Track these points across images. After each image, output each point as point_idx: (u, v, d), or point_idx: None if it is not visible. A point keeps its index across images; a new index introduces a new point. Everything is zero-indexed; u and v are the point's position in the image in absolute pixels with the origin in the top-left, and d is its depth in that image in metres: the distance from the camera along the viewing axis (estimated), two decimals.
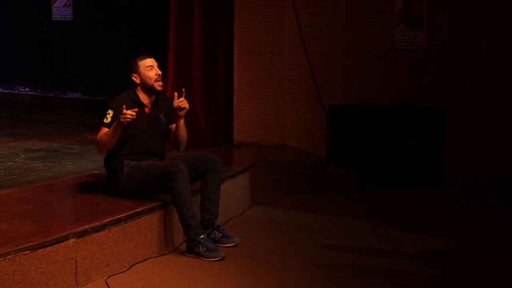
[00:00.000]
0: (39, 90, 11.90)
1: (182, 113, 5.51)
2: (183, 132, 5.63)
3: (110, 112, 5.39)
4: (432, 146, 7.93)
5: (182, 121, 5.58)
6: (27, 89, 11.99)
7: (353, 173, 7.81)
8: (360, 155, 7.83)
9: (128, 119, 5.19)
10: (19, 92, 11.99)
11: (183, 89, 5.53)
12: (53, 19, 11.75)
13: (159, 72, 5.56)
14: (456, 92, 8.38)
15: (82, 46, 11.43)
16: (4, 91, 12.13)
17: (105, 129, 5.37)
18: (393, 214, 6.84)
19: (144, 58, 5.57)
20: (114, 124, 5.30)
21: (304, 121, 8.44)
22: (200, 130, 8.00)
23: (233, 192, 6.42)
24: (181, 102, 5.46)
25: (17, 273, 4.13)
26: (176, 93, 5.53)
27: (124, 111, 5.18)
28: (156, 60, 5.67)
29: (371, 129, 7.83)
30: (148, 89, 5.53)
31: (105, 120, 5.39)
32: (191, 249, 5.31)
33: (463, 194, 7.67)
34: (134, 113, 5.20)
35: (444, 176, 7.97)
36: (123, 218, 5.00)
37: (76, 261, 4.55)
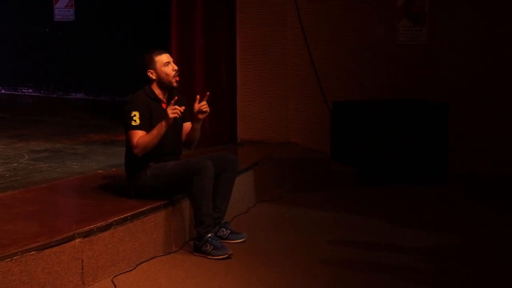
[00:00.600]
0: (42, 91, 11.90)
1: (202, 116, 5.46)
2: (198, 134, 5.61)
3: (136, 113, 5.29)
4: (435, 142, 7.91)
5: (199, 124, 5.55)
6: (30, 90, 11.99)
7: (357, 169, 7.81)
8: (364, 152, 7.82)
9: (177, 115, 5.18)
10: (22, 93, 12.00)
11: (207, 93, 5.47)
12: (55, 19, 11.75)
13: (176, 67, 5.48)
14: (459, 88, 8.35)
15: (85, 47, 11.43)
16: (7, 92, 12.14)
17: (139, 132, 5.27)
18: (397, 211, 6.83)
19: (160, 54, 5.47)
20: (162, 124, 5.20)
21: (307, 118, 8.44)
22: (204, 128, 7.98)
23: (237, 189, 6.41)
24: (203, 106, 5.40)
25: (23, 274, 4.14)
26: (198, 96, 5.46)
27: (175, 106, 5.15)
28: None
29: (375, 125, 7.82)
30: (165, 85, 5.47)
31: (133, 123, 5.27)
32: (198, 248, 5.32)
33: (465, 191, 7.65)
34: (182, 109, 5.18)
35: (448, 173, 7.95)
36: (129, 218, 5.00)
37: (82, 261, 4.56)
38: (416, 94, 8.31)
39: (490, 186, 7.80)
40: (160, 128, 5.26)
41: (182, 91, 7.75)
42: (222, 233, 5.60)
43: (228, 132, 8.34)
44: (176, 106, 5.20)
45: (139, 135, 5.29)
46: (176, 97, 5.32)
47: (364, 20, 8.38)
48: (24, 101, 11.78)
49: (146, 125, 5.32)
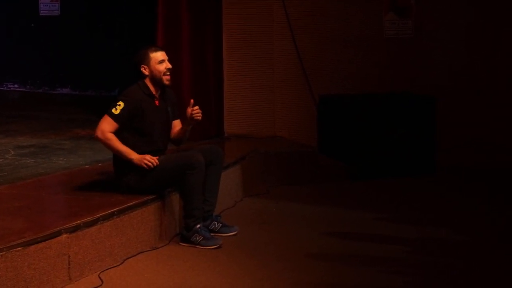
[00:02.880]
0: (28, 86, 11.84)
1: (194, 123, 5.49)
2: (188, 134, 5.67)
3: (121, 104, 5.30)
4: (423, 134, 7.95)
5: (190, 127, 5.57)
6: (16, 86, 11.93)
7: (344, 163, 7.82)
8: (351, 145, 7.84)
9: (147, 167, 5.24)
10: (8, 89, 11.93)
11: (192, 100, 5.48)
12: (40, 14, 11.68)
13: (169, 66, 5.50)
14: (446, 81, 8.39)
15: (71, 42, 11.37)
16: None
17: (113, 122, 5.27)
18: (386, 203, 6.86)
19: (156, 51, 5.50)
20: (132, 157, 5.25)
21: (294, 112, 8.44)
22: None
23: (225, 184, 6.40)
24: (195, 111, 5.40)
25: (9, 270, 4.12)
26: (192, 100, 5.47)
27: (150, 160, 5.22)
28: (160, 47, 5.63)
29: (362, 119, 7.84)
30: (156, 82, 5.48)
31: (114, 111, 5.28)
32: (187, 238, 5.34)
33: (454, 183, 7.68)
34: (156, 162, 5.24)
35: (437, 164, 7.98)
36: (115, 213, 4.99)
37: (69, 256, 4.54)
38: (403, 87, 8.34)
39: (479, 178, 7.85)
40: (128, 155, 5.28)
41: (170, 86, 7.78)
42: (213, 226, 5.61)
43: (215, 126, 8.32)
44: (153, 161, 5.24)
45: (111, 126, 5.28)
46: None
47: (351, 13, 8.39)
48: (10, 96, 11.72)
49: (123, 120, 5.31)
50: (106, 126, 5.30)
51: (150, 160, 5.27)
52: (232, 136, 8.31)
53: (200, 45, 8.13)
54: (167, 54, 7.36)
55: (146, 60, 5.46)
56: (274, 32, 8.36)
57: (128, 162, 5.30)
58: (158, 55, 5.48)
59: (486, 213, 6.49)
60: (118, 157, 5.45)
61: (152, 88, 5.49)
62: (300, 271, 4.94)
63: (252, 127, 8.41)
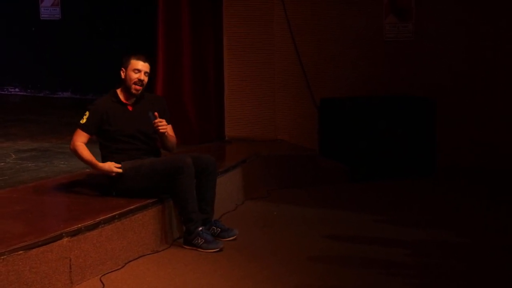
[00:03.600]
0: (29, 90, 11.87)
1: (161, 134, 5.55)
2: (170, 139, 5.67)
3: (87, 113, 5.45)
4: (423, 136, 7.96)
5: (165, 133, 5.58)
6: (16, 90, 11.95)
7: (346, 165, 7.83)
8: (352, 147, 7.85)
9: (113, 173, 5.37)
10: (9, 93, 11.96)
11: (155, 113, 5.53)
12: (41, 18, 11.72)
13: (142, 78, 5.50)
14: (446, 83, 8.40)
15: (71, 45, 11.40)
16: None
17: (81, 132, 5.43)
18: (386, 205, 6.86)
19: (138, 59, 5.52)
20: (98, 166, 5.40)
21: (295, 115, 8.45)
22: (192, 126, 8.00)
23: (225, 187, 6.42)
24: (161, 126, 5.46)
25: (11, 274, 4.12)
26: (156, 113, 5.51)
27: (110, 167, 5.37)
28: (147, 58, 5.63)
29: (363, 121, 7.85)
30: (126, 87, 5.54)
31: (81, 121, 5.45)
32: (189, 241, 5.34)
33: (454, 184, 7.69)
34: (118, 170, 5.36)
35: (437, 165, 7.99)
36: (116, 216, 4.99)
37: (70, 260, 4.55)
38: (403, 90, 8.35)
39: (479, 179, 7.85)
40: (92, 164, 5.43)
41: (171, 90, 7.78)
42: (213, 231, 5.59)
43: (215, 129, 8.33)
44: (114, 169, 5.37)
45: (82, 137, 5.43)
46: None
47: (351, 17, 8.40)
48: (11, 100, 11.74)
49: (91, 129, 5.45)
50: (76, 137, 5.45)
51: (109, 168, 5.37)
52: (233, 139, 8.31)
53: (201, 48, 8.14)
54: (168, 57, 7.38)
55: (126, 64, 5.53)
56: (275, 35, 8.37)
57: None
58: (137, 64, 5.50)
59: (486, 214, 6.49)
60: (104, 161, 5.52)
61: (122, 95, 5.55)
62: (301, 273, 4.94)
63: (253, 130, 8.41)
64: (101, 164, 5.43)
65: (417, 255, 5.36)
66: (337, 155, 8.00)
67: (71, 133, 5.56)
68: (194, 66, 8.07)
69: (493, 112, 8.34)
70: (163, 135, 5.56)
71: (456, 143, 8.32)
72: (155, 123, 5.48)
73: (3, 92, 12.02)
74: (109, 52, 10.91)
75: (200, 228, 5.35)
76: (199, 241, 5.32)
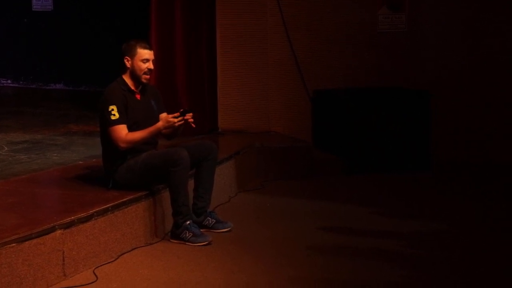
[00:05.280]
0: (21, 82, 11.81)
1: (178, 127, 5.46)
2: (181, 130, 5.59)
3: (114, 107, 5.28)
4: (417, 129, 7.95)
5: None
6: (8, 81, 11.89)
7: (339, 157, 7.82)
8: (345, 139, 7.84)
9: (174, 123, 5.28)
10: (1, 85, 11.89)
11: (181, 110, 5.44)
12: (33, 9, 11.64)
13: (152, 67, 5.46)
14: (439, 75, 8.40)
15: (64, 37, 11.34)
16: None
17: (121, 126, 5.26)
18: (380, 197, 6.87)
19: (144, 48, 5.44)
20: (159, 126, 5.30)
21: (288, 107, 8.43)
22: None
23: (219, 179, 6.40)
24: (179, 121, 5.35)
25: (4, 266, 4.11)
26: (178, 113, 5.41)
27: (170, 120, 5.26)
28: (149, 43, 5.60)
29: (356, 113, 7.84)
30: (135, 77, 5.46)
31: (113, 118, 5.27)
32: (177, 235, 5.33)
33: (449, 177, 7.70)
34: (175, 120, 5.27)
35: (431, 159, 7.99)
36: (110, 208, 4.98)
37: (63, 252, 4.53)
38: (397, 82, 8.35)
39: (474, 172, 7.87)
40: (153, 132, 5.34)
41: (164, 81, 7.75)
42: (207, 222, 5.60)
43: (209, 121, 8.31)
44: (173, 119, 5.28)
45: (123, 130, 5.29)
46: (186, 108, 5.41)
47: (344, 8, 8.39)
48: (3, 92, 11.67)
49: (124, 118, 5.32)
50: (119, 134, 5.28)
51: (170, 120, 5.28)
52: (226, 131, 8.29)
53: (194, 41, 8.11)
54: (161, 50, 7.35)
55: (131, 53, 5.43)
56: (268, 27, 8.35)
57: (160, 133, 5.42)
58: (145, 53, 5.44)
59: (481, 207, 6.50)
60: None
61: (131, 83, 5.47)
62: (295, 265, 4.94)
63: (246, 122, 8.40)
64: (159, 124, 5.32)
65: (411, 246, 5.36)
66: (331, 147, 8.00)
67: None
68: (187, 57, 8.04)
69: (489, 104, 8.34)
70: (178, 129, 5.48)
71: (452, 136, 8.32)
72: (183, 118, 5.33)
73: None
74: (102, 43, 10.86)
75: (188, 222, 5.32)
76: (187, 235, 5.29)
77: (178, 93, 7.93)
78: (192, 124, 5.42)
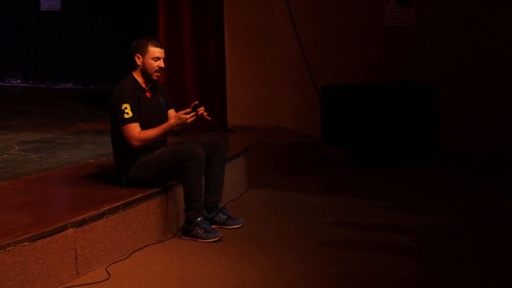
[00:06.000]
0: (30, 82, 11.85)
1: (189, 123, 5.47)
2: (190, 126, 5.60)
3: (127, 106, 5.29)
4: (426, 122, 7.95)
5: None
6: (18, 81, 11.93)
7: (348, 152, 7.83)
8: (355, 134, 7.84)
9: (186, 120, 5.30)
10: (11, 84, 11.93)
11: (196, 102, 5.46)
12: (41, 9, 11.68)
13: (163, 65, 5.48)
14: (448, 67, 8.38)
15: (72, 36, 11.36)
16: None
17: (134, 124, 5.28)
18: (390, 191, 6.87)
19: (156, 46, 5.45)
20: (172, 123, 5.33)
21: (297, 102, 8.43)
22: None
23: (229, 176, 6.41)
24: (191, 117, 5.36)
25: (17, 265, 4.14)
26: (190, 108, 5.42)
27: (182, 117, 5.28)
28: (160, 41, 5.64)
29: (365, 108, 7.84)
30: (146, 75, 5.47)
31: (126, 116, 5.28)
32: (188, 232, 5.35)
33: (457, 170, 7.69)
34: (187, 116, 5.29)
35: (439, 151, 7.99)
36: (121, 206, 5.00)
37: (76, 250, 4.56)
38: (405, 76, 8.34)
39: (482, 164, 7.85)
40: (166, 130, 5.37)
41: (172, 78, 7.77)
42: (219, 218, 5.62)
43: (218, 118, 8.30)
44: (185, 116, 5.31)
45: (136, 128, 5.31)
46: (197, 102, 5.38)
47: (352, 3, 8.37)
48: (12, 92, 11.71)
49: (137, 117, 5.34)
50: (132, 132, 5.30)
51: (182, 117, 5.30)
52: (235, 128, 8.30)
53: (202, 37, 8.11)
54: (169, 47, 7.36)
55: (142, 51, 5.44)
56: (276, 22, 8.35)
57: (172, 131, 5.45)
58: (156, 51, 5.45)
59: (490, 200, 6.50)
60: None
61: (141, 80, 5.49)
62: (306, 261, 4.95)
63: (255, 118, 8.40)
64: (172, 121, 5.36)
65: (420, 240, 5.37)
66: (340, 142, 8.00)
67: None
68: (195, 54, 8.05)
69: (496, 97, 8.33)
70: (189, 125, 5.49)
71: (460, 129, 8.31)
72: (197, 112, 5.35)
73: (4, 84, 12.00)
74: (111, 42, 10.88)
75: (199, 219, 5.34)
76: (198, 232, 5.31)
77: (186, 90, 7.94)
78: (207, 117, 5.43)
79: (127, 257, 4.95)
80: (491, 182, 7.14)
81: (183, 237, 5.38)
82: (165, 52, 5.56)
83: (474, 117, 8.33)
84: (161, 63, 5.47)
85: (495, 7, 8.29)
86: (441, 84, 8.10)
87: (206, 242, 5.28)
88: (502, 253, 5.07)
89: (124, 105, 5.30)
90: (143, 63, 5.45)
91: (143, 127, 5.36)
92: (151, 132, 5.35)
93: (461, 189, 6.90)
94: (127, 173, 5.42)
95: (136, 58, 5.46)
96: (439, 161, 7.91)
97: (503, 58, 8.31)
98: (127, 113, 5.29)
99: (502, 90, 8.31)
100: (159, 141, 5.50)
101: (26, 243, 4.22)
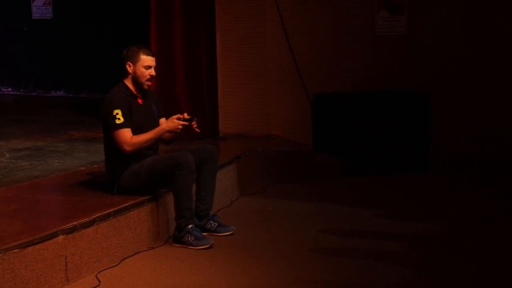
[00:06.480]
0: (21, 90, 11.83)
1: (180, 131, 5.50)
2: (181, 134, 5.63)
3: (118, 111, 5.29)
4: (418, 131, 7.95)
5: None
6: (9, 89, 11.91)
7: (340, 160, 7.83)
8: (346, 142, 7.85)
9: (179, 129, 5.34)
10: (2, 92, 11.91)
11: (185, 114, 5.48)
12: (33, 18, 11.68)
13: (154, 73, 5.49)
14: (439, 78, 8.40)
15: (64, 44, 11.37)
16: None
17: (125, 130, 5.28)
18: (382, 199, 6.87)
19: (147, 55, 5.46)
20: (164, 128, 5.35)
21: (289, 110, 8.44)
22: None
23: (220, 183, 6.40)
24: (182, 124, 5.38)
25: (7, 272, 4.12)
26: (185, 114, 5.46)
27: (174, 123, 5.30)
28: (151, 50, 5.63)
29: (357, 116, 7.85)
30: (137, 83, 5.47)
31: (118, 122, 5.27)
32: (179, 239, 5.34)
33: (449, 178, 7.71)
34: (181, 122, 5.32)
35: (431, 160, 8.00)
36: (112, 213, 4.99)
37: (66, 257, 4.54)
38: (397, 85, 8.35)
39: (474, 172, 7.88)
40: (156, 135, 5.37)
41: (164, 87, 7.77)
42: (210, 225, 5.61)
43: (210, 126, 8.30)
44: (178, 121, 5.34)
45: (128, 133, 5.30)
46: (195, 119, 5.42)
47: (343, 12, 8.40)
48: (3, 100, 11.69)
49: (129, 122, 5.34)
50: (124, 138, 5.29)
51: (175, 121, 5.32)
52: (227, 136, 8.30)
53: (194, 45, 8.12)
54: (161, 55, 7.36)
55: (134, 59, 5.45)
56: (268, 31, 8.36)
57: (162, 137, 5.47)
58: (147, 60, 5.45)
59: (483, 207, 6.51)
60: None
61: (132, 88, 5.49)
62: (297, 268, 4.94)
63: (247, 126, 8.40)
64: (164, 125, 5.38)
65: (414, 248, 5.37)
66: (332, 150, 8.00)
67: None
68: (187, 62, 8.05)
69: (488, 105, 8.36)
70: (179, 133, 5.51)
71: (452, 137, 8.33)
72: (190, 124, 5.38)
73: None
74: (102, 50, 10.88)
75: (190, 226, 5.33)
76: (189, 239, 5.31)
77: (178, 99, 7.94)
78: (196, 129, 5.44)
79: (118, 264, 4.94)
80: (485, 190, 7.14)
81: (173, 244, 5.37)
82: (156, 61, 5.56)
83: (475, 121, 8.36)
84: (152, 72, 5.47)
85: (491, 13, 8.33)
86: (434, 93, 8.10)
87: (197, 249, 5.27)
88: (497, 260, 5.07)
89: (116, 111, 5.30)
90: (134, 71, 5.45)
91: (135, 133, 5.36)
92: (143, 137, 5.35)
93: (454, 197, 6.91)
94: (118, 181, 5.41)
95: (127, 66, 5.47)
96: (431, 169, 7.90)
97: (503, 58, 8.32)
98: (119, 119, 5.29)
99: (502, 94, 8.34)
100: (150, 149, 5.50)
101: (16, 250, 4.20)
